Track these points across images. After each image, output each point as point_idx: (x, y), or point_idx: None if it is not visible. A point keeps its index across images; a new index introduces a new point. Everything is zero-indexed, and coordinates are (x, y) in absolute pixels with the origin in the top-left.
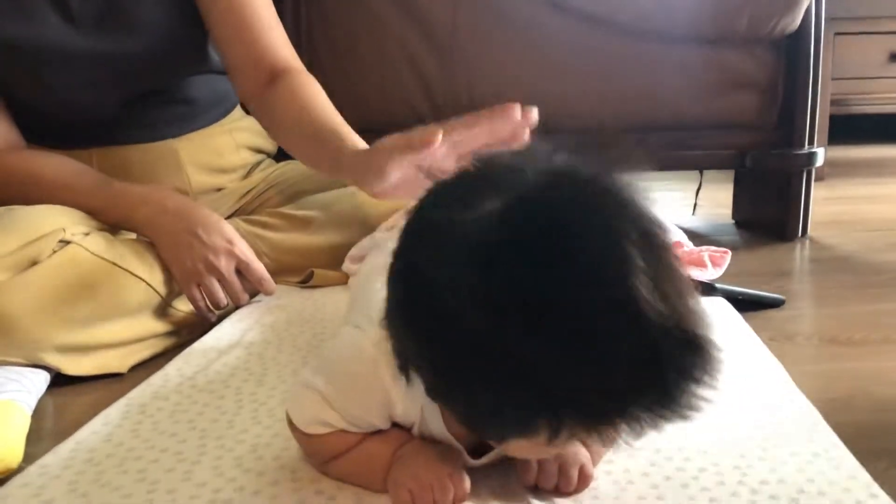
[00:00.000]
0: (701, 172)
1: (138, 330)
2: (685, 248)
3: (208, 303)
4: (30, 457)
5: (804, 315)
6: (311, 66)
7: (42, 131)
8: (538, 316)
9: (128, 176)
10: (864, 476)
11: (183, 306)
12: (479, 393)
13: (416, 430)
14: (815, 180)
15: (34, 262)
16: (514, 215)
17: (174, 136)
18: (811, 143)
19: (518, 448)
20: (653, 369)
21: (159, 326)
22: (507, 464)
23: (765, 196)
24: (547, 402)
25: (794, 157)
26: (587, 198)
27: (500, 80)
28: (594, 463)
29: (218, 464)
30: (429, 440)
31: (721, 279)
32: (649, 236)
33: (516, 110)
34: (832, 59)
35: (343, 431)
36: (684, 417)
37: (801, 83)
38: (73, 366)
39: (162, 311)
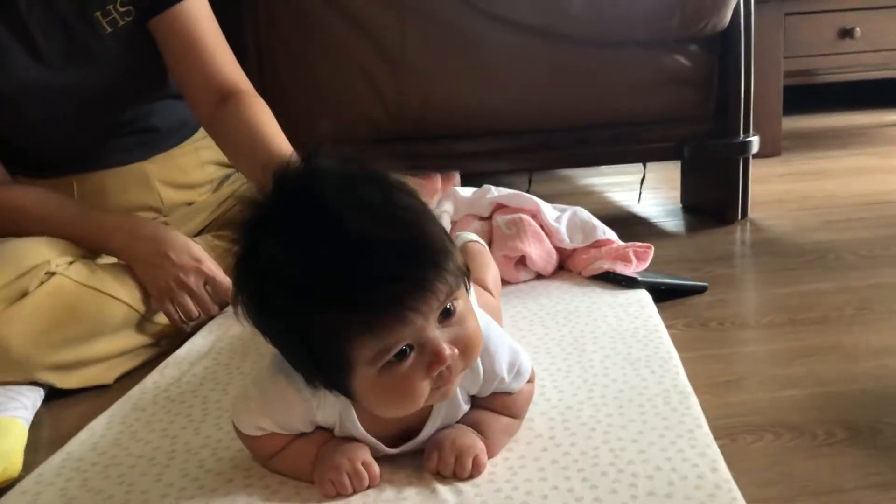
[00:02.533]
0: (644, 164)
1: (121, 344)
2: (613, 245)
3: (182, 316)
4: (29, 465)
5: (723, 300)
6: (273, 84)
7: (26, 163)
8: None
9: (105, 197)
10: (713, 452)
11: (161, 320)
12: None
13: (336, 431)
14: (772, 156)
15: (24, 294)
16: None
17: (144, 158)
18: (746, 132)
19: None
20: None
21: (140, 339)
22: (421, 456)
23: (707, 182)
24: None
25: (730, 146)
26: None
27: (451, 90)
28: (491, 454)
29: (184, 466)
30: (348, 438)
31: (656, 265)
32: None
33: None
34: (784, 37)
35: (275, 434)
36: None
37: (734, 77)
38: (64, 381)
39: (142, 326)
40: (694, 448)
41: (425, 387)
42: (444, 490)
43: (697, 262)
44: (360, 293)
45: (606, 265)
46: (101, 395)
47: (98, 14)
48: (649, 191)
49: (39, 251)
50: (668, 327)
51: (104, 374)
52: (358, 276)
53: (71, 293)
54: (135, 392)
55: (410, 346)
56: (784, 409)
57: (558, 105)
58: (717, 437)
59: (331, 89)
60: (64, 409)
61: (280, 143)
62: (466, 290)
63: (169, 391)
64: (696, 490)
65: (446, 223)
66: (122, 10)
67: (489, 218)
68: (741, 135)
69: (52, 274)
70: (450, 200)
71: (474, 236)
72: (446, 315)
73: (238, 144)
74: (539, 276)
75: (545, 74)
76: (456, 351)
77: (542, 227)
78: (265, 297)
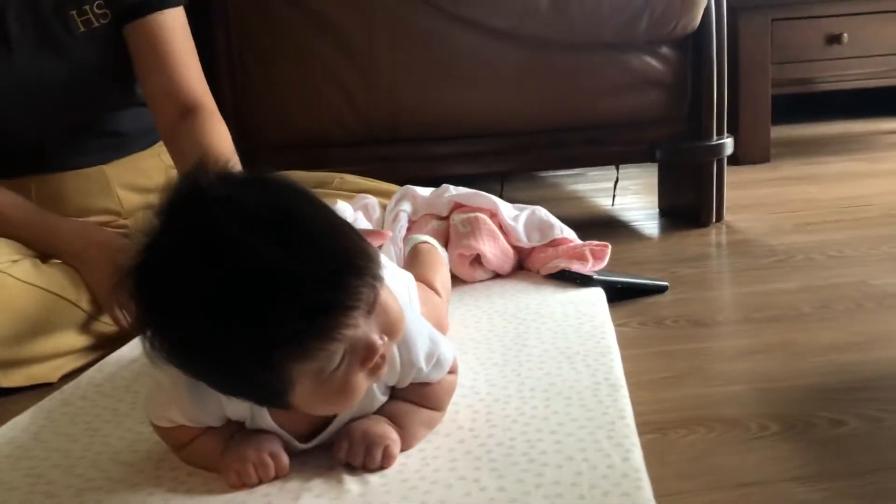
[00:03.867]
0: (617, 167)
1: (67, 344)
2: (571, 244)
3: (129, 319)
4: None
5: (683, 299)
6: (244, 88)
7: None
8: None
9: (64, 200)
10: (629, 443)
11: (109, 323)
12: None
13: (248, 425)
14: (760, 162)
15: None
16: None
17: (105, 162)
18: (720, 133)
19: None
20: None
21: (87, 340)
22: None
23: (682, 185)
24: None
25: (703, 148)
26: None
27: (420, 94)
28: (407, 446)
29: (97, 458)
30: (259, 431)
31: (623, 266)
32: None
33: None
34: (771, 43)
35: (184, 426)
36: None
37: (707, 78)
38: (6, 379)
39: (88, 327)
40: (611, 439)
41: (362, 380)
42: (350, 480)
43: (664, 264)
44: (290, 329)
45: (563, 264)
46: (44, 394)
47: (74, 12)
48: (630, 196)
49: None
50: (621, 325)
51: (49, 373)
52: (283, 313)
53: (13, 290)
54: (68, 388)
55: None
56: (721, 404)
57: (529, 107)
58: (647, 432)
59: (302, 94)
60: (4, 406)
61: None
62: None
63: (102, 387)
64: (603, 479)
65: (404, 222)
66: (98, 12)
67: (447, 217)
68: (714, 137)
69: None
70: (408, 200)
71: (425, 237)
72: (371, 307)
73: (187, 160)
74: (496, 276)
75: (514, 77)
76: (385, 339)
77: (500, 226)
78: (183, 340)
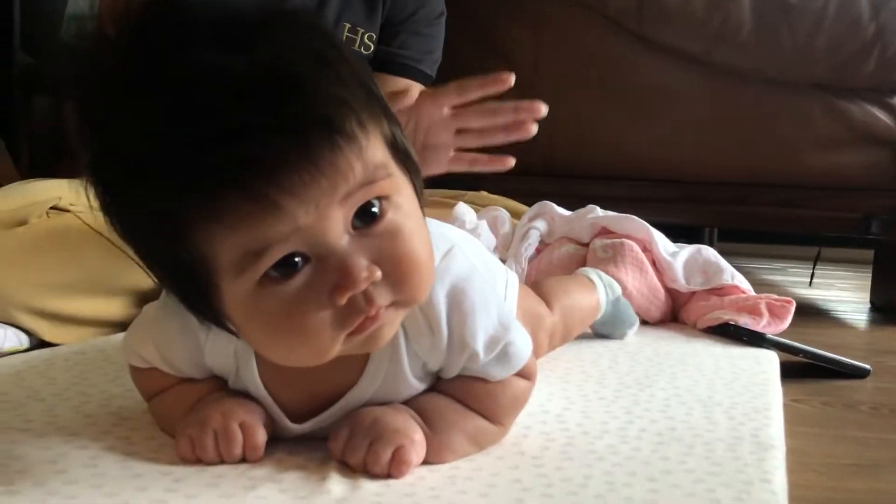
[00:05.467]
0: (819, 240)
1: (124, 313)
2: (742, 295)
3: None
4: None
5: (887, 389)
6: None
7: None
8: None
9: None
10: None
11: None
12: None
13: (231, 382)
14: None
15: (22, 224)
16: None
17: None
18: None
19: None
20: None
21: None
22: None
23: None
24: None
25: None
26: None
27: (583, 122)
28: (437, 457)
29: (56, 404)
30: (243, 395)
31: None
32: None
33: (539, 107)
34: None
35: (159, 371)
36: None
37: None
38: (53, 334)
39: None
40: (740, 502)
41: (325, 320)
42: (336, 480)
43: (870, 353)
44: (197, 157)
45: (727, 316)
46: None
47: (347, 25)
48: (835, 290)
49: (54, 189)
50: (797, 402)
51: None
52: (194, 129)
53: (76, 235)
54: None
55: (303, 257)
56: None
57: (712, 151)
58: None
59: None
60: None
61: None
62: (415, 188)
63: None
64: None
65: (533, 240)
66: (367, 42)
67: (587, 244)
68: None
69: (63, 211)
70: (544, 218)
71: (598, 278)
72: (367, 218)
73: None
74: (642, 322)
75: (698, 113)
76: (379, 272)
77: (653, 263)
78: (100, 167)
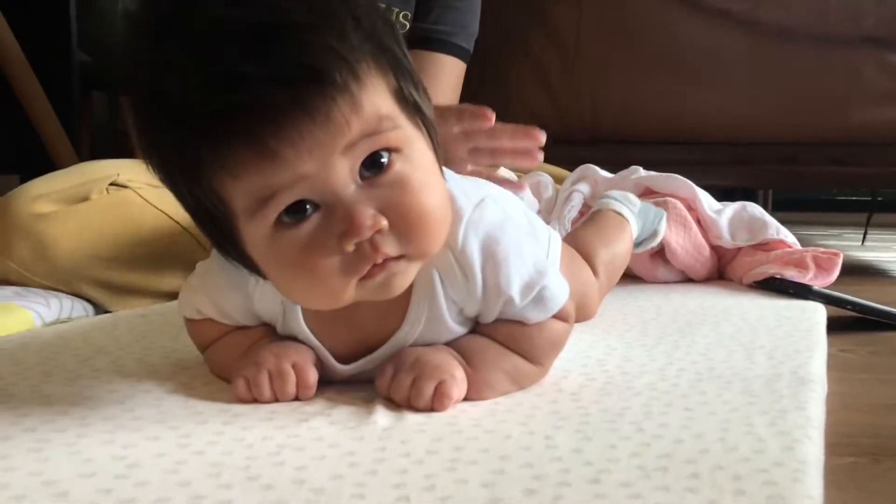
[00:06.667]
0: (873, 196)
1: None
2: (788, 249)
3: None
4: None
5: None
6: None
7: None
8: None
9: None
10: (803, 434)
11: None
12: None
13: (279, 329)
14: None
15: (85, 199)
16: None
17: None
18: None
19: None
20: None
21: None
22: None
23: None
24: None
25: None
26: None
27: (628, 88)
28: (477, 394)
29: (122, 355)
30: (290, 340)
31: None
32: None
33: (540, 136)
34: None
35: (213, 321)
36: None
37: None
38: (115, 304)
39: None
40: (773, 426)
41: (334, 266)
42: (382, 413)
43: None
44: (203, 102)
45: (773, 270)
46: None
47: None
48: (891, 252)
49: (114, 167)
50: (844, 351)
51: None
52: (201, 77)
53: (136, 210)
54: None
55: (313, 204)
56: None
57: (761, 112)
58: (852, 454)
59: (493, 72)
60: None
61: None
62: (431, 140)
63: None
64: (742, 462)
65: (577, 202)
66: (402, 21)
67: None
68: None
69: (124, 187)
70: (587, 181)
71: (620, 203)
72: (375, 168)
73: None
74: (687, 280)
75: (745, 74)
76: (385, 222)
77: (697, 221)
78: (136, 109)
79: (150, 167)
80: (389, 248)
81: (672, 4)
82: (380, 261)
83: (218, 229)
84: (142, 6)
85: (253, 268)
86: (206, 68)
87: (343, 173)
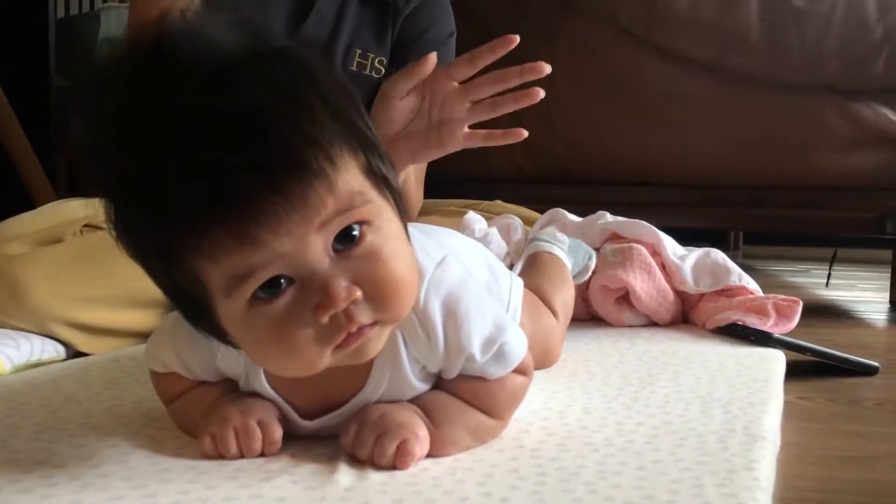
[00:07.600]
0: (838, 241)
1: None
2: (750, 296)
3: None
4: None
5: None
6: None
7: None
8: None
9: None
10: (750, 497)
11: None
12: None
13: (241, 386)
14: None
15: (57, 241)
16: None
17: None
18: None
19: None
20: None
21: None
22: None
23: None
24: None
25: None
26: None
27: (601, 130)
28: (439, 450)
29: (91, 406)
30: (254, 396)
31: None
32: None
33: (545, 67)
34: None
35: (177, 375)
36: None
37: None
38: (87, 344)
39: None
40: (721, 488)
41: (310, 337)
42: (345, 472)
43: (883, 350)
44: (179, 191)
45: (735, 316)
46: None
47: (359, 51)
48: (856, 291)
49: (88, 207)
50: (802, 398)
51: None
52: (177, 166)
53: (108, 250)
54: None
55: (287, 278)
56: None
57: (727, 156)
58: None
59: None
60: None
61: None
62: (397, 210)
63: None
64: None
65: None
66: (378, 66)
67: (598, 249)
68: None
69: (96, 228)
70: (556, 225)
71: (550, 244)
72: (347, 241)
73: None
74: (652, 325)
75: (712, 119)
76: (359, 292)
77: (662, 267)
78: (108, 191)
79: (122, 247)
80: (363, 316)
81: (643, 50)
82: (354, 329)
83: (194, 307)
84: (114, 94)
85: (227, 341)
86: (181, 158)
87: (318, 249)
